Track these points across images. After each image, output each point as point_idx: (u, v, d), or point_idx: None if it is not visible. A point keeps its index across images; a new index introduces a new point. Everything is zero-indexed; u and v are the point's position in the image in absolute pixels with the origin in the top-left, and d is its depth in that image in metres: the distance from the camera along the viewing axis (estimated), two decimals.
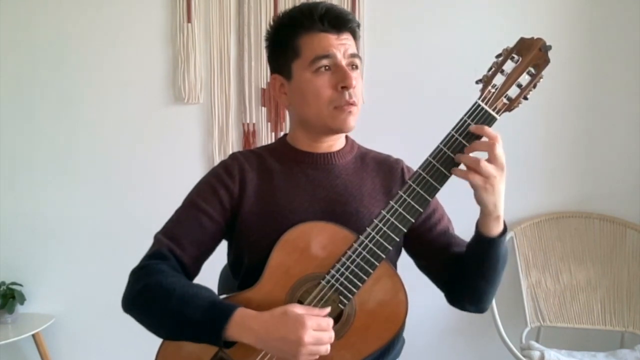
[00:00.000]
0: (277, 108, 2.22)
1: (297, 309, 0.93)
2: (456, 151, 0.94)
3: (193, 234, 1.06)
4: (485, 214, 0.98)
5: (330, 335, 0.93)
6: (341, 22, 1.06)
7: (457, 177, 0.95)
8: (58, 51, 2.21)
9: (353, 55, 1.06)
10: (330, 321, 0.94)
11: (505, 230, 1.01)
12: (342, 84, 1.03)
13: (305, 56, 1.05)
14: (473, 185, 0.93)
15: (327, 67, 1.04)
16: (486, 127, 0.93)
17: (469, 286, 1.07)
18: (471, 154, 0.93)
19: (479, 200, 0.95)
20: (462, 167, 0.95)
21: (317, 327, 0.91)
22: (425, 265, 1.15)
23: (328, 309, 0.97)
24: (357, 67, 1.07)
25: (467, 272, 1.05)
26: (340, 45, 1.05)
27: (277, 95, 1.13)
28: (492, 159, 0.92)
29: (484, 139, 0.93)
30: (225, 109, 2.23)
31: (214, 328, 0.92)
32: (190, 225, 1.07)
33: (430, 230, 1.13)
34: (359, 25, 1.10)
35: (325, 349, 0.92)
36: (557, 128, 2.22)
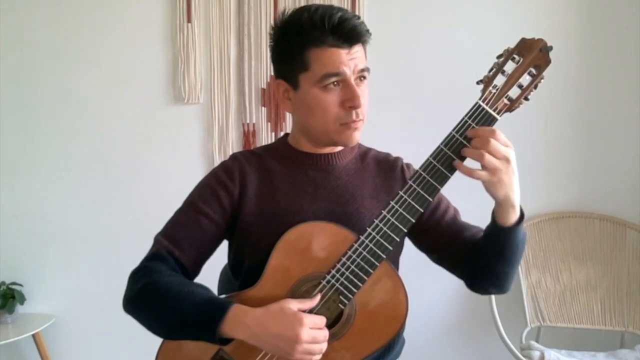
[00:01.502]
0: (277, 108, 2.22)
1: (292, 304, 0.94)
2: (457, 151, 0.94)
3: (193, 236, 1.06)
4: (498, 204, 0.99)
5: (325, 333, 0.93)
6: (354, 35, 1.01)
7: (458, 173, 0.95)
8: (58, 51, 2.20)
9: (363, 70, 1.04)
10: (323, 319, 0.94)
11: (522, 218, 1.01)
12: (349, 103, 1.02)
13: (314, 71, 1.01)
14: (481, 180, 0.93)
15: (335, 83, 1.02)
16: (479, 129, 0.93)
17: (491, 272, 1.07)
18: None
19: (489, 192, 0.96)
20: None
21: (313, 325, 0.92)
22: (442, 257, 1.15)
23: (318, 297, 0.97)
24: (365, 78, 1.05)
25: (488, 258, 1.05)
26: (351, 61, 1.01)
27: (281, 99, 1.11)
28: (493, 154, 0.91)
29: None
30: (225, 109, 2.23)
31: (209, 325, 0.92)
32: (190, 226, 1.07)
33: (439, 223, 1.14)
34: (370, 35, 1.06)
35: (320, 348, 0.93)
36: (557, 128, 2.22)
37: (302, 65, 1.02)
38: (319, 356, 0.93)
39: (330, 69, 1.00)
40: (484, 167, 0.92)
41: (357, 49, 1.03)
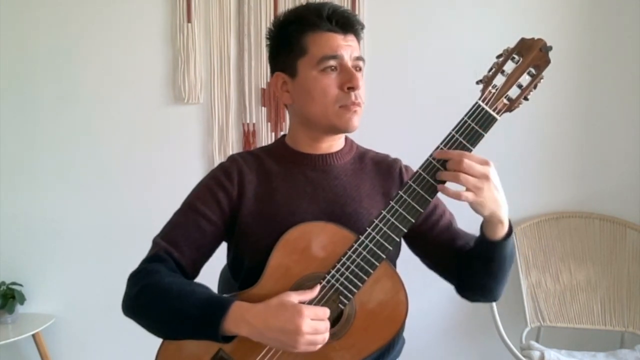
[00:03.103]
0: (277, 108, 2.22)
1: (292, 297, 0.94)
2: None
3: (191, 237, 1.06)
4: (486, 221, 0.99)
5: (326, 324, 0.93)
6: (348, 23, 1.06)
7: None
8: (58, 51, 2.21)
9: (358, 58, 1.07)
10: (327, 310, 0.94)
11: (510, 232, 1.01)
12: (348, 84, 1.03)
13: (312, 55, 1.04)
14: (467, 202, 0.93)
15: (333, 68, 1.04)
16: (449, 152, 0.93)
17: (477, 283, 1.08)
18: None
19: (474, 210, 0.96)
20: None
21: (314, 316, 0.92)
22: (433, 262, 1.16)
23: (317, 289, 0.97)
24: (360, 69, 1.07)
25: (475, 270, 1.06)
26: (347, 47, 1.05)
27: (279, 93, 1.12)
28: (469, 173, 0.91)
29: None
30: (225, 109, 2.23)
31: (212, 322, 0.92)
32: (188, 228, 1.07)
33: (433, 228, 1.14)
34: (363, 28, 1.10)
35: (323, 338, 0.93)
36: (557, 128, 2.22)
37: (301, 50, 1.05)
38: (320, 345, 0.93)
39: (328, 51, 1.04)
40: (467, 189, 0.92)
41: (352, 38, 1.07)
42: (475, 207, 0.94)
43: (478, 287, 1.09)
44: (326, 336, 0.93)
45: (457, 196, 0.92)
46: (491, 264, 1.03)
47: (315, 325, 0.91)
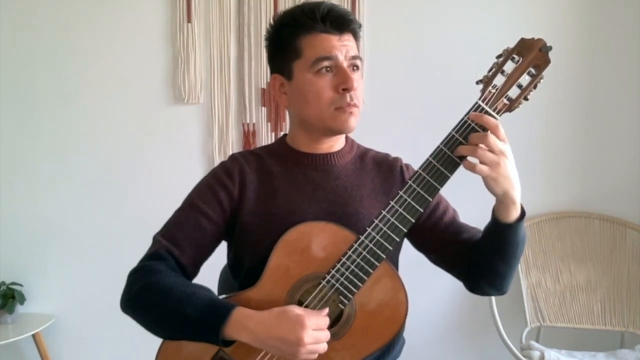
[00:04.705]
0: (277, 108, 2.22)
1: (297, 309, 0.93)
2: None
3: (192, 236, 1.06)
4: (499, 201, 0.99)
5: (327, 334, 0.94)
6: (343, 23, 1.05)
7: (457, 173, 0.95)
8: (58, 51, 2.21)
9: (354, 57, 1.06)
10: (327, 319, 0.95)
11: (523, 215, 1.01)
12: (343, 86, 1.03)
13: (306, 57, 1.04)
14: (482, 175, 0.93)
15: (328, 69, 1.04)
16: (485, 117, 0.93)
17: (490, 270, 1.07)
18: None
19: (489, 189, 0.96)
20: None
21: (315, 326, 0.92)
22: (440, 257, 1.16)
23: (326, 310, 0.97)
24: (358, 68, 1.07)
25: (487, 256, 1.05)
26: (342, 47, 1.04)
27: (277, 95, 1.12)
28: (490, 148, 0.92)
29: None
30: (225, 109, 2.23)
31: (212, 327, 0.92)
32: (189, 226, 1.07)
33: (437, 223, 1.14)
34: (360, 26, 1.09)
35: (323, 347, 0.93)
36: (557, 128, 2.22)
37: (295, 52, 1.05)
38: (320, 352, 0.93)
39: (322, 52, 1.03)
40: (483, 163, 0.92)
41: (348, 37, 1.06)
42: (489, 182, 0.94)
43: (489, 274, 1.08)
44: (326, 346, 0.93)
45: (472, 168, 0.92)
46: (504, 248, 1.03)
47: (316, 335, 0.91)
